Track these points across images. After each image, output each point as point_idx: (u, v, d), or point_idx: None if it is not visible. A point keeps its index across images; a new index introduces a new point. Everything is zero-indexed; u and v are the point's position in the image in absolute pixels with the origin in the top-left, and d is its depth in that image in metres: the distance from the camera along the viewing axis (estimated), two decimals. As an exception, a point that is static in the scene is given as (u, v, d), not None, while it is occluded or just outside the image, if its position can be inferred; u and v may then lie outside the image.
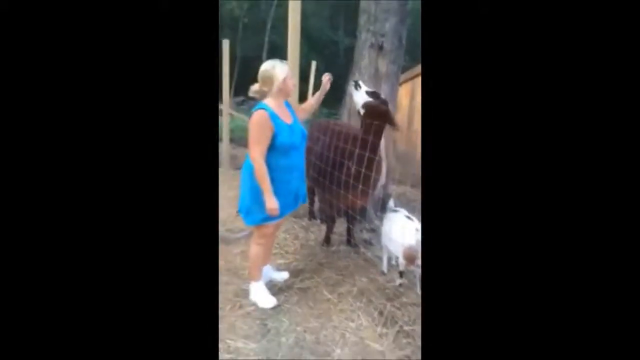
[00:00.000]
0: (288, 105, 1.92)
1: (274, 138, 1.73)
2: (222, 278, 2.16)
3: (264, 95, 1.81)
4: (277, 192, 1.75)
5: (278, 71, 1.75)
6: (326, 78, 2.04)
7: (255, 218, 1.84)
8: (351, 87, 2.22)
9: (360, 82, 2.25)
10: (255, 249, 1.94)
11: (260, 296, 1.97)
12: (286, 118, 1.82)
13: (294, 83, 1.84)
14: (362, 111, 2.17)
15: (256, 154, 1.70)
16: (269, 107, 1.75)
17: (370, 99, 2.15)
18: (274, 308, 1.93)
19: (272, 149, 1.74)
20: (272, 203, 1.73)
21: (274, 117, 1.73)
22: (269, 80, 1.76)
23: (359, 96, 2.17)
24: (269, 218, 1.82)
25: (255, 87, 1.83)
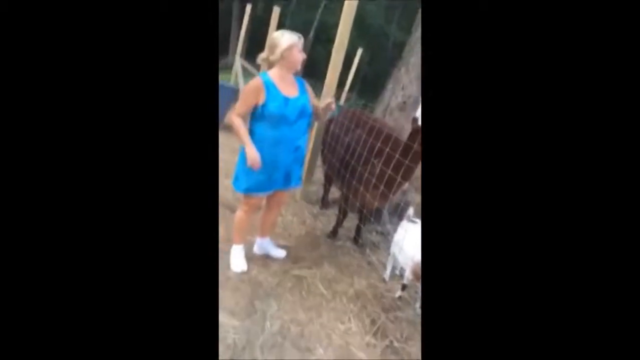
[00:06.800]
0: (300, 81, 1.84)
1: (263, 106, 1.69)
2: (220, 245, 2.11)
3: (270, 65, 1.76)
4: (263, 165, 1.72)
5: (284, 39, 1.68)
6: (329, 104, 1.85)
7: (241, 185, 1.85)
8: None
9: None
10: (239, 214, 1.98)
11: (235, 258, 2.01)
12: (287, 91, 1.73)
13: (303, 57, 1.74)
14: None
15: (234, 112, 1.72)
16: (269, 76, 1.72)
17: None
18: (262, 289, 1.88)
19: (261, 117, 1.71)
20: (252, 153, 1.69)
21: (269, 85, 1.69)
22: (274, 48, 1.70)
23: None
24: (254, 189, 1.83)
25: (262, 55, 1.78)
